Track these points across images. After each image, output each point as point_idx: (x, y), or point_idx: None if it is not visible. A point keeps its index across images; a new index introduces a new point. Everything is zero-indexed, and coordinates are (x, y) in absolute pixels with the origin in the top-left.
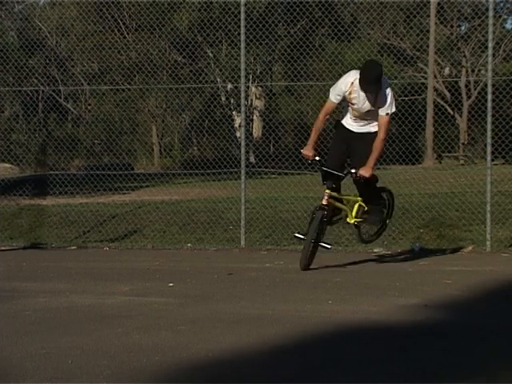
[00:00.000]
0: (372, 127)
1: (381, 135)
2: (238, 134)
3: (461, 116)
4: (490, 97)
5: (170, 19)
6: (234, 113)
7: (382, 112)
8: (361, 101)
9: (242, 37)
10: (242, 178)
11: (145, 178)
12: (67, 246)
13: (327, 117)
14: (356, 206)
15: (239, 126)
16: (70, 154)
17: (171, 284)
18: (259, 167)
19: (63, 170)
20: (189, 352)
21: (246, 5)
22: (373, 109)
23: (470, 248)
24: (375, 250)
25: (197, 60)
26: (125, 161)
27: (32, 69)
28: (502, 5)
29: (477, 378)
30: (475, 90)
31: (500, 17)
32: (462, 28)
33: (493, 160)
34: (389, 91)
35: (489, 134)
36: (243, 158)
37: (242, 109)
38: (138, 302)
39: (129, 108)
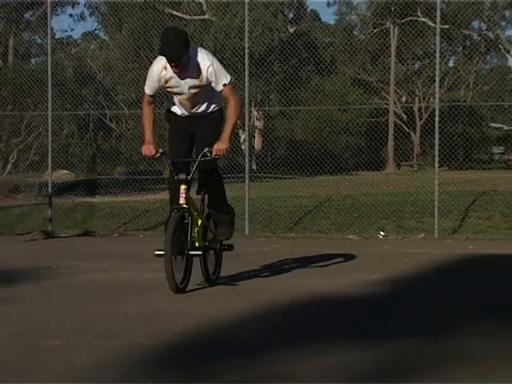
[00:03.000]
0: (211, 104)
1: (232, 101)
2: (243, 147)
3: (415, 133)
4: (437, 119)
5: None
6: (239, 131)
7: (218, 87)
8: (182, 84)
9: (246, 72)
10: (246, 181)
11: None
12: (111, 234)
13: (151, 107)
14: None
15: (244, 140)
16: (114, 162)
17: None
18: (260, 173)
19: (108, 175)
20: (206, 316)
21: (249, 48)
22: (199, 89)
23: (422, 235)
24: (349, 237)
25: None
26: (156, 168)
27: (84, 97)
28: (446, 48)
29: (414, 330)
30: (426, 113)
31: (445, 57)
32: (416, 65)
33: (439, 167)
34: (207, 59)
35: (436, 147)
36: (247, 165)
37: (246, 128)
38: None
39: (158, 127)
